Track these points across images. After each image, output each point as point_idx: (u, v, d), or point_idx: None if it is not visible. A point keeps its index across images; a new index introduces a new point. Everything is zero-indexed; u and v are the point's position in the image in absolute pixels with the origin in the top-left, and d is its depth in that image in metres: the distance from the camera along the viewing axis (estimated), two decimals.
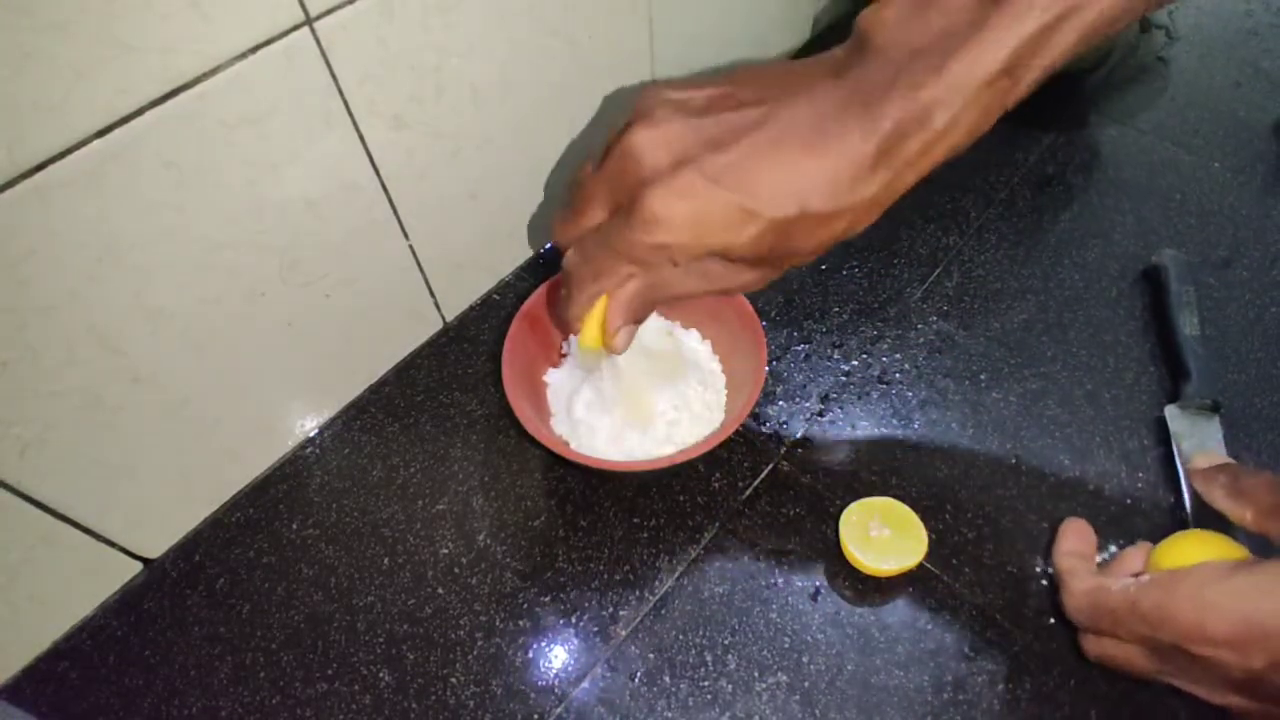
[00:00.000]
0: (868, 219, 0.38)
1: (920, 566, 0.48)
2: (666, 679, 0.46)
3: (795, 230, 0.37)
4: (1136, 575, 0.42)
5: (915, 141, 0.35)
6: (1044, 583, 0.48)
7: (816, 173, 0.36)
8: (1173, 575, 0.39)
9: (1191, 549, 0.42)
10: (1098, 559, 0.47)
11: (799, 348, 0.59)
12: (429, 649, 0.47)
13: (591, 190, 0.40)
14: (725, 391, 0.54)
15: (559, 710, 0.45)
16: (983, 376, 0.57)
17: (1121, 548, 0.47)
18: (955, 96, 0.34)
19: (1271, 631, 0.35)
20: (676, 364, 0.53)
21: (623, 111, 0.40)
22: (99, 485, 0.45)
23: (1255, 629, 0.35)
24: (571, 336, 0.56)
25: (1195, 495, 0.47)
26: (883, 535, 0.48)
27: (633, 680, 0.46)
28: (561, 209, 0.42)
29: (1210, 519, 0.45)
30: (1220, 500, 0.45)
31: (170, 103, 0.37)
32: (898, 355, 0.58)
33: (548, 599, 0.49)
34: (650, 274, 0.40)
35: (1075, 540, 0.47)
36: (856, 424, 0.55)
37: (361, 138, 0.46)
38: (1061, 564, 0.45)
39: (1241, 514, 0.43)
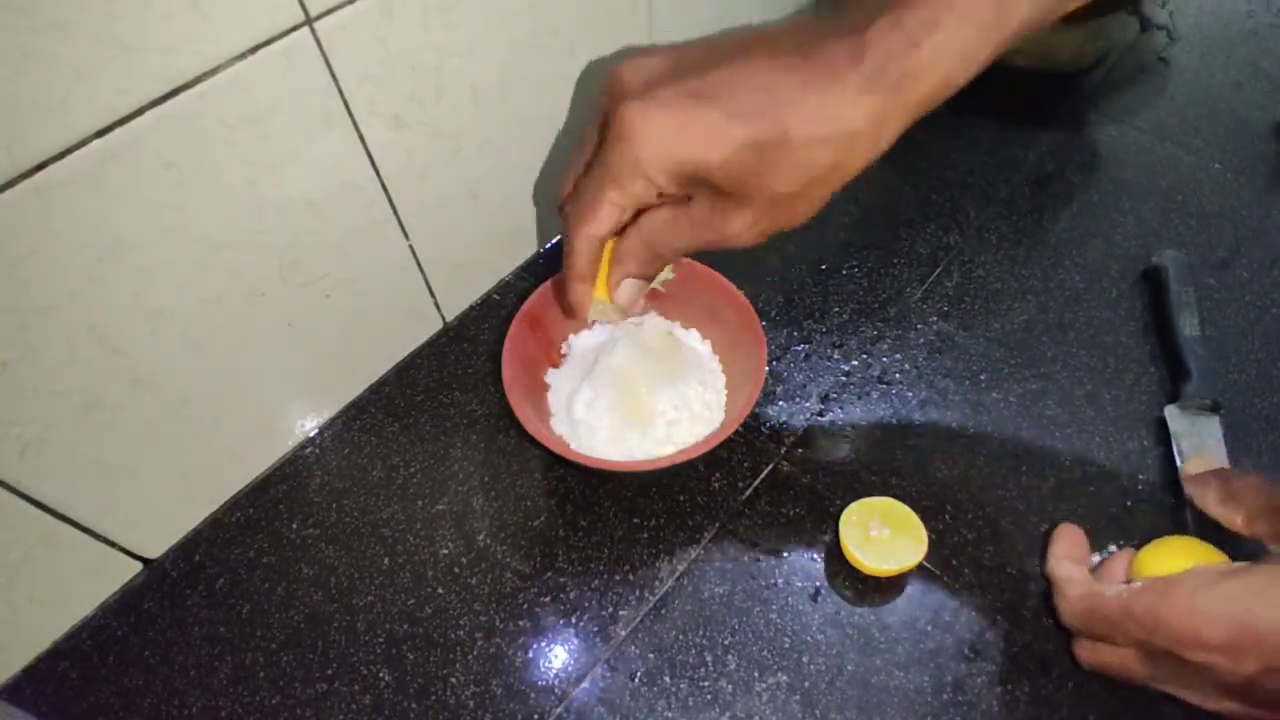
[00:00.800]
0: (857, 155, 0.36)
1: (920, 566, 0.48)
2: (666, 679, 0.46)
3: (774, 156, 0.35)
4: (1128, 582, 0.42)
5: (903, 66, 0.34)
6: (1044, 583, 0.48)
7: (798, 96, 0.34)
8: (1166, 581, 0.39)
9: (1172, 555, 0.43)
10: (1095, 559, 0.47)
11: (799, 348, 0.59)
12: (429, 649, 0.47)
13: (582, 133, 0.40)
14: (725, 391, 0.54)
15: (559, 710, 0.45)
16: (983, 377, 0.57)
17: (1121, 548, 0.47)
18: (944, 17, 0.33)
19: (1264, 635, 0.35)
20: (676, 364, 0.52)
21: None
22: (99, 485, 0.45)
23: (1248, 633, 0.35)
24: (572, 337, 0.56)
25: None
26: (883, 535, 0.48)
27: (633, 680, 0.46)
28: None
29: (1211, 520, 0.45)
30: (1212, 505, 0.45)
31: (170, 103, 0.37)
32: (898, 355, 0.58)
33: (548, 599, 0.49)
34: (631, 197, 0.38)
35: (1068, 545, 0.47)
36: (856, 424, 0.55)
37: (361, 138, 0.46)
38: (1055, 569, 0.45)
39: (1233, 518, 0.44)
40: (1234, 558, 0.42)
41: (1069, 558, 0.46)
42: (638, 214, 0.40)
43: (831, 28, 0.35)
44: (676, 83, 0.36)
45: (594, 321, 0.45)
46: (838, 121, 0.34)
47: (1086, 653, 0.43)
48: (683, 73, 0.36)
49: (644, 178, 0.37)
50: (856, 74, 0.34)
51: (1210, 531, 0.45)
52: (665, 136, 0.36)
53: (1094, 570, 0.46)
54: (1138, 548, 0.45)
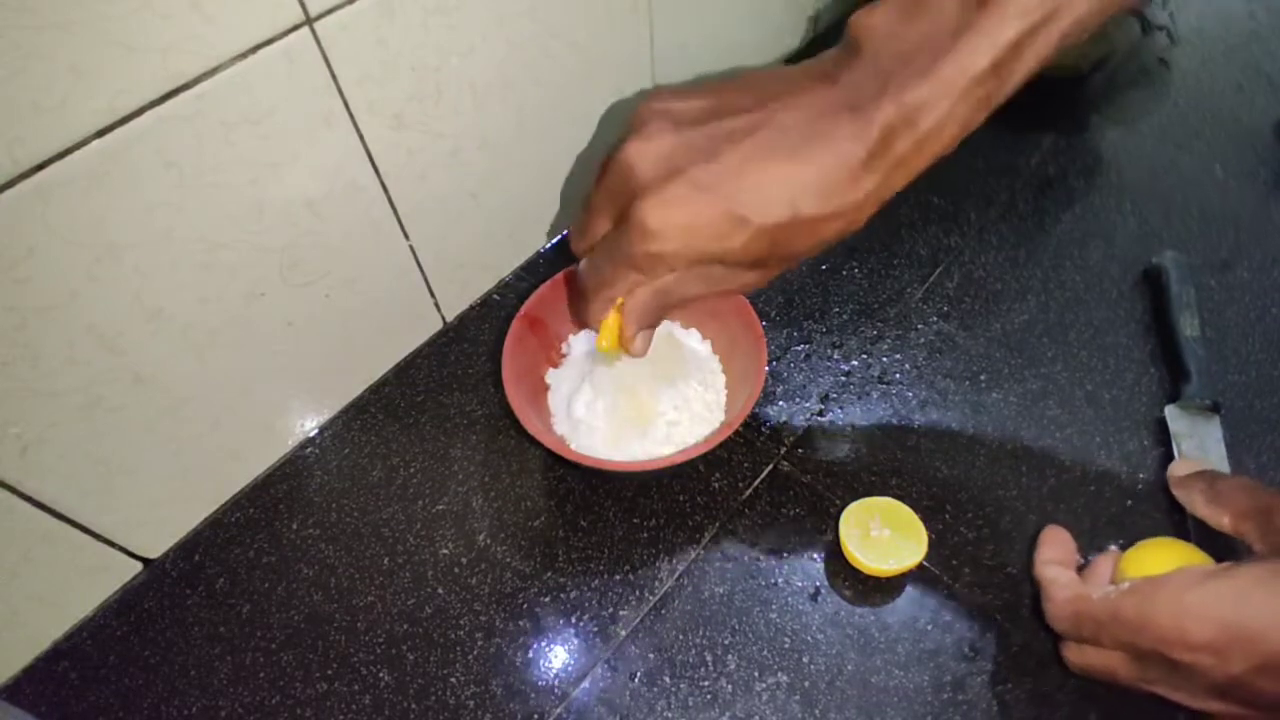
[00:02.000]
0: (860, 220, 0.39)
1: (920, 566, 0.48)
2: (666, 679, 0.46)
3: (788, 234, 0.38)
4: (1114, 584, 0.42)
5: (904, 143, 0.36)
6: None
7: (807, 177, 0.37)
8: (1152, 581, 0.39)
9: (1157, 556, 0.43)
10: (1093, 558, 0.47)
11: (799, 348, 0.59)
12: (429, 649, 0.47)
13: (595, 203, 0.42)
14: (725, 391, 0.54)
15: (559, 710, 0.45)
16: (983, 377, 0.57)
17: (1122, 548, 0.47)
18: (942, 99, 0.35)
19: (1250, 635, 0.35)
20: (676, 364, 0.52)
21: (622, 122, 0.41)
22: (99, 485, 0.45)
23: (1234, 633, 0.36)
24: (571, 338, 0.56)
25: None
26: (883, 535, 0.48)
27: (633, 680, 0.46)
28: (575, 221, 0.44)
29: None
30: (1199, 506, 0.46)
31: (170, 103, 0.37)
32: (898, 355, 0.58)
33: (548, 599, 0.49)
34: (654, 281, 0.41)
35: (1054, 548, 0.47)
36: (856, 424, 0.55)
37: (361, 138, 0.46)
38: (1043, 572, 0.45)
39: (1220, 519, 0.44)
40: (1224, 558, 0.42)
41: (1055, 560, 0.46)
42: None
43: (837, 99, 0.37)
44: (687, 174, 0.37)
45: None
46: (844, 198, 0.37)
47: (1074, 655, 0.43)
48: (691, 157, 0.38)
49: (666, 267, 0.40)
50: (860, 150, 0.36)
51: (1209, 532, 0.45)
52: (684, 235, 0.38)
53: (1081, 571, 0.46)
54: (1107, 555, 0.45)
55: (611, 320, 0.44)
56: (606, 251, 0.41)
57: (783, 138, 0.37)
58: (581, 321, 0.46)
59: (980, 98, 0.35)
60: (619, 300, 0.43)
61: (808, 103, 0.37)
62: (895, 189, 0.38)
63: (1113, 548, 0.48)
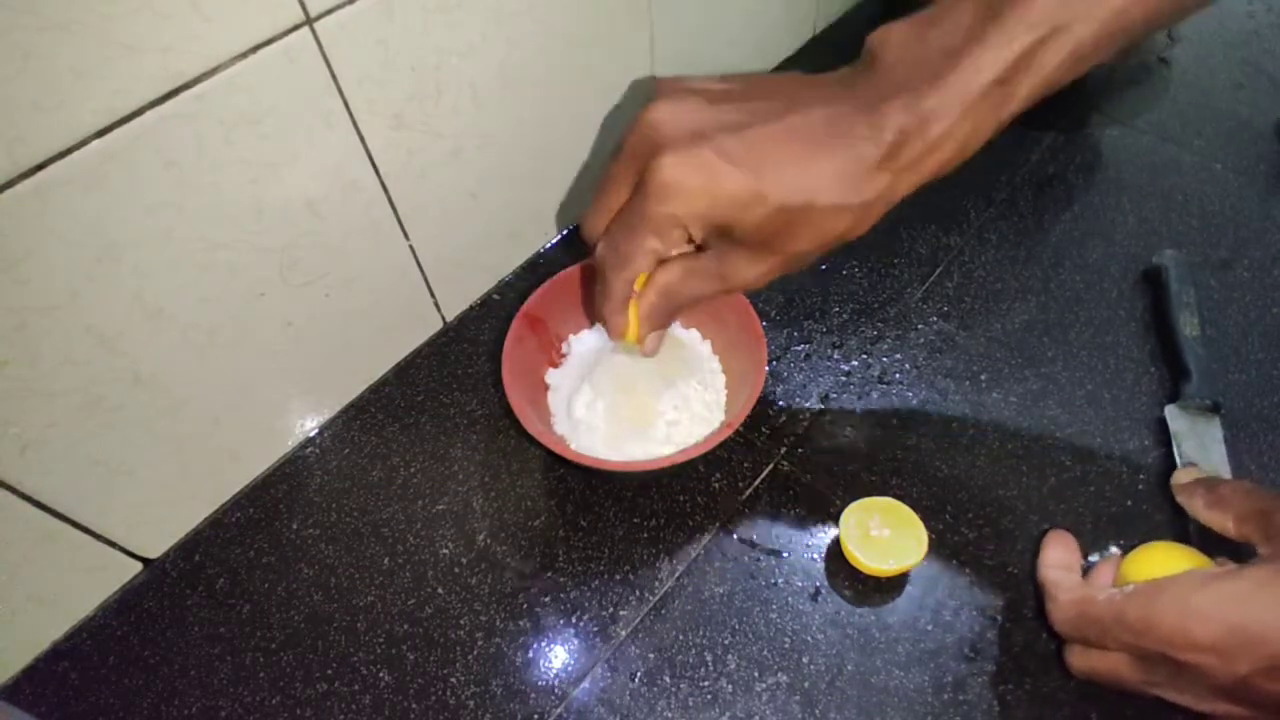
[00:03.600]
0: (866, 222, 0.39)
1: (920, 566, 0.48)
2: (666, 679, 0.46)
3: (800, 221, 0.38)
4: (1118, 587, 0.42)
5: (914, 147, 0.37)
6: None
7: (825, 168, 0.37)
8: (1157, 583, 0.39)
9: (1159, 560, 0.43)
10: (1094, 559, 0.47)
11: (799, 348, 0.59)
12: (429, 649, 0.47)
13: (614, 171, 0.41)
14: (725, 391, 0.54)
15: (559, 710, 0.45)
16: (983, 377, 0.57)
17: (1123, 549, 0.47)
18: (951, 107, 0.36)
19: (1256, 637, 0.35)
20: (676, 364, 0.52)
21: (623, 120, 0.40)
22: (99, 485, 0.45)
23: (1240, 634, 0.36)
24: (572, 337, 0.56)
25: None
26: (883, 535, 0.48)
27: (633, 680, 0.46)
28: (592, 201, 0.43)
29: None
30: (1201, 511, 0.46)
31: (170, 103, 0.37)
32: (898, 355, 0.58)
33: (548, 599, 0.49)
34: (668, 247, 0.41)
35: (1059, 551, 0.47)
36: (856, 424, 0.55)
37: (361, 138, 0.46)
38: (1047, 575, 0.46)
39: (1223, 523, 0.44)
40: (1228, 562, 0.42)
41: (1059, 564, 0.46)
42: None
43: (856, 102, 0.38)
44: (713, 141, 0.38)
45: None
46: (855, 195, 0.38)
47: (1078, 659, 0.43)
48: (719, 128, 0.38)
49: (681, 229, 0.39)
50: (874, 151, 0.37)
51: (1211, 535, 0.45)
52: (703, 198, 0.38)
53: (1085, 575, 0.46)
54: (1129, 551, 0.45)
55: (634, 312, 0.44)
56: (623, 222, 0.41)
57: (807, 128, 0.38)
58: (598, 313, 0.45)
59: (988, 109, 0.37)
60: (639, 285, 0.43)
61: (828, 102, 0.38)
62: (901, 194, 0.39)
63: (1114, 549, 0.48)
